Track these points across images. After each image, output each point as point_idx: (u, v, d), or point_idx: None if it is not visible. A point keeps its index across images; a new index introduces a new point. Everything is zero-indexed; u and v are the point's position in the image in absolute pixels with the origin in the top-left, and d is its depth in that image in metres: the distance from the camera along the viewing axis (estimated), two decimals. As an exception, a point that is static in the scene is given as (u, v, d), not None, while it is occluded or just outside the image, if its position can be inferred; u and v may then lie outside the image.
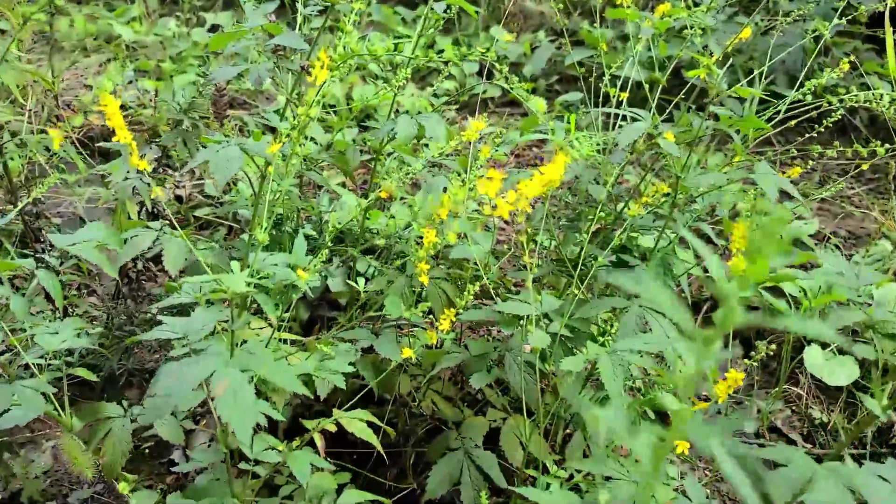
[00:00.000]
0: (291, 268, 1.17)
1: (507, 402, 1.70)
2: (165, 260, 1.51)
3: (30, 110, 2.55)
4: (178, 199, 2.58)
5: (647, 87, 1.57)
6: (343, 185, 2.61)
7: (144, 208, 1.82)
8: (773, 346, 2.09)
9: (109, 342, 1.75)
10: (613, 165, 1.63)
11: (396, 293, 1.61)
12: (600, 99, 1.91)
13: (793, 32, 3.23)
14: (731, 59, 1.60)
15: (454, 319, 1.29)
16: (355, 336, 1.53)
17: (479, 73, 3.24)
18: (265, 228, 1.10)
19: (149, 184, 1.73)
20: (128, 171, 1.73)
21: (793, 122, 1.58)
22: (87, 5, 3.49)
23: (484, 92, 3.32)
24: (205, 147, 1.37)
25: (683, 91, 1.74)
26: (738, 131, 1.59)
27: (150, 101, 2.72)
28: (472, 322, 1.93)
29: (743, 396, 1.98)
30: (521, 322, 1.40)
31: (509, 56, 3.32)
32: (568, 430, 1.68)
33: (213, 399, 1.16)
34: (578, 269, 1.62)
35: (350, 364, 1.42)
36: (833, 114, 1.61)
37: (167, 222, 1.80)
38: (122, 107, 2.81)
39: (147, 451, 1.96)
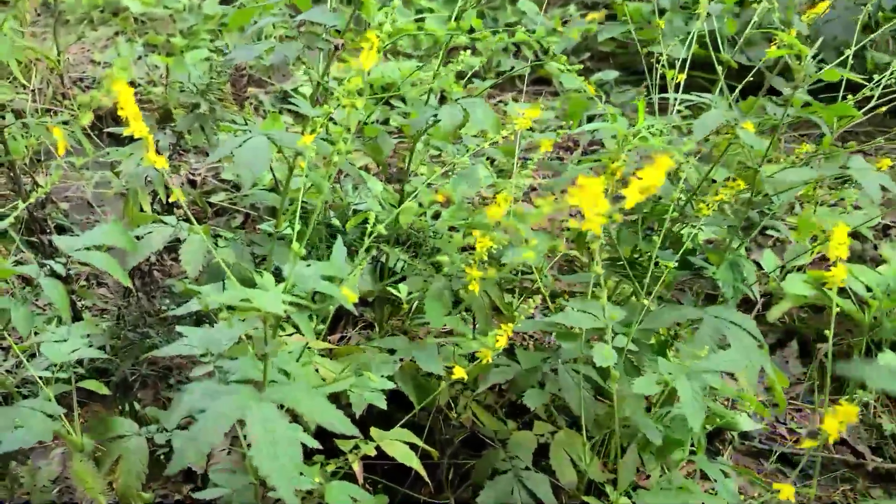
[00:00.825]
0: (329, 280, 1.02)
1: (554, 411, 1.56)
2: (183, 260, 1.36)
3: (34, 88, 2.39)
4: (192, 183, 2.43)
5: (720, 68, 1.40)
6: (366, 168, 2.45)
7: (158, 198, 1.67)
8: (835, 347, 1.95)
9: (121, 343, 1.61)
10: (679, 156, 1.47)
11: (436, 297, 1.47)
12: (650, 81, 1.74)
13: (842, 5, 3.04)
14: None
15: (510, 333, 1.14)
16: (392, 345, 1.39)
17: (506, 50, 3.06)
18: (304, 240, 0.95)
19: (163, 173, 1.58)
20: (140, 158, 1.58)
21: (883, 109, 1.41)
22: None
23: (511, 69, 3.15)
24: (223, 134, 1.21)
25: (751, 73, 1.57)
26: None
27: (161, 78, 2.56)
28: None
29: (802, 404, 1.84)
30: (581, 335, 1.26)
31: (535, 30, 3.14)
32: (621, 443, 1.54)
33: (246, 442, 1.02)
34: (645, 272, 1.47)
35: (389, 378, 1.28)
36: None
37: (183, 216, 1.65)
38: (132, 84, 2.65)
39: (162, 456, 1.83)
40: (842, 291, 1.98)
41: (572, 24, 3.17)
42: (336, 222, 1.99)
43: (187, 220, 1.71)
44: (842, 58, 1.41)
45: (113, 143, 2.37)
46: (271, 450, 0.77)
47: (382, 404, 1.18)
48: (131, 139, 1.80)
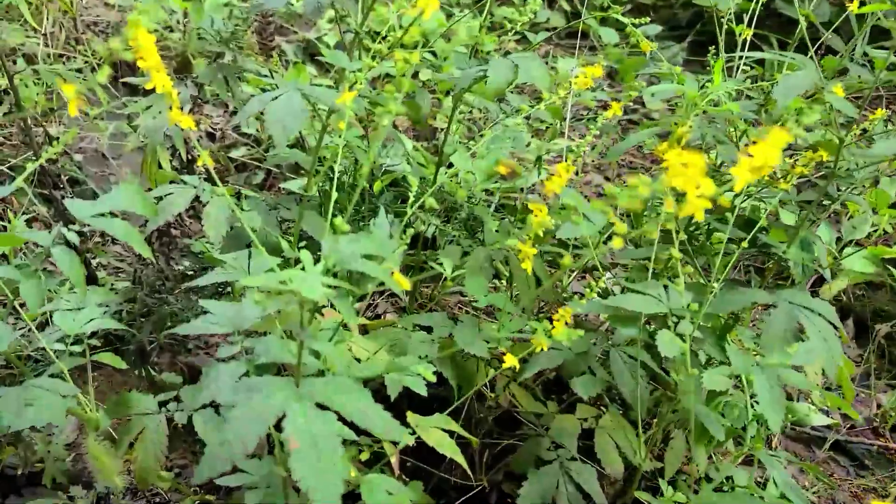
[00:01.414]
0: (370, 258, 0.91)
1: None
2: (206, 225, 1.25)
3: (46, 32, 2.26)
4: (211, 137, 2.31)
5: (802, 22, 1.26)
6: (393, 124, 2.32)
7: (178, 154, 1.56)
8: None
9: (138, 308, 1.51)
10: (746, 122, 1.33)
11: (475, 269, 1.35)
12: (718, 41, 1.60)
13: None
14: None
15: (569, 320, 1.03)
16: (429, 322, 1.28)
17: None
18: (346, 213, 0.84)
19: (181, 129, 1.46)
20: (159, 112, 1.46)
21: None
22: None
23: (546, 20, 2.98)
24: (249, 88, 1.09)
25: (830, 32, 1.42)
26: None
27: (178, 24, 2.41)
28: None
29: (858, 388, 1.73)
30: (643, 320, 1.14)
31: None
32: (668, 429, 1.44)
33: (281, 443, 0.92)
34: (702, 248, 1.35)
35: (429, 362, 1.17)
36: None
37: (204, 174, 1.54)
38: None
39: (181, 426, 1.75)
40: (903, 268, 1.85)
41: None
42: (365, 183, 1.88)
43: (209, 179, 1.60)
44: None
45: (129, 93, 2.25)
46: (313, 459, 0.67)
47: (423, 390, 1.08)
48: (148, 90, 1.68)
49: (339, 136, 1.18)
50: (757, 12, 1.49)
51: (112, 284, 1.72)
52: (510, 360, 1.01)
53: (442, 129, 1.97)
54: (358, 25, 1.15)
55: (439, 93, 1.94)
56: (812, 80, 1.10)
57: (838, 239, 1.97)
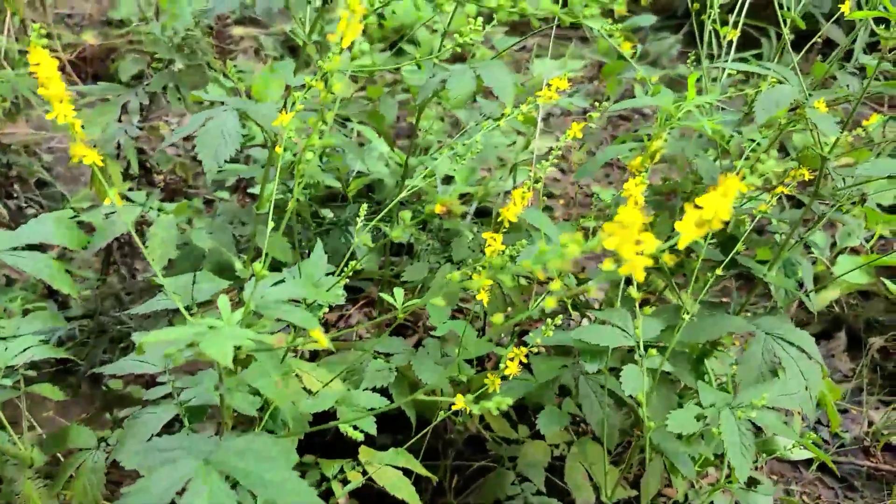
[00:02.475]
0: (306, 306, 0.84)
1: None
2: (150, 245, 1.18)
3: (11, 27, 2.18)
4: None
5: (785, 31, 1.17)
6: (389, 142, 2.24)
7: (145, 166, 1.48)
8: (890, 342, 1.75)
9: (93, 326, 1.45)
10: (728, 135, 1.25)
11: (441, 293, 1.28)
12: (690, 26, 1.50)
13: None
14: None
15: (524, 360, 0.96)
16: (388, 347, 1.21)
17: (533, -12, 2.78)
18: (264, 261, 0.77)
19: (136, 138, 1.39)
20: (119, 119, 1.39)
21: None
22: None
23: (537, 8, 2.88)
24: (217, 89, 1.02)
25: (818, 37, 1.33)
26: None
27: (153, 17, 2.33)
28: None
29: (849, 404, 1.65)
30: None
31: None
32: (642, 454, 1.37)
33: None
34: (678, 268, 1.27)
35: (381, 392, 1.11)
36: None
37: (158, 190, 1.47)
38: (122, 22, 2.44)
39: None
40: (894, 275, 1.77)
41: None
42: (335, 182, 1.80)
43: (168, 190, 1.53)
44: None
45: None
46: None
47: (372, 429, 1.02)
48: (118, 81, 1.60)
49: (281, 157, 1.11)
50: (746, 5, 1.40)
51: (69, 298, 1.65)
52: (460, 403, 0.93)
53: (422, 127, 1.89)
54: (305, 36, 1.07)
55: (414, 93, 1.86)
56: (794, 95, 1.02)
57: (833, 245, 1.89)
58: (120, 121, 1.41)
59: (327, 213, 1.57)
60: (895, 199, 2.01)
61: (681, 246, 0.60)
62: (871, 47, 1.26)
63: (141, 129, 1.41)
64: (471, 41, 1.58)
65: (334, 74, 0.74)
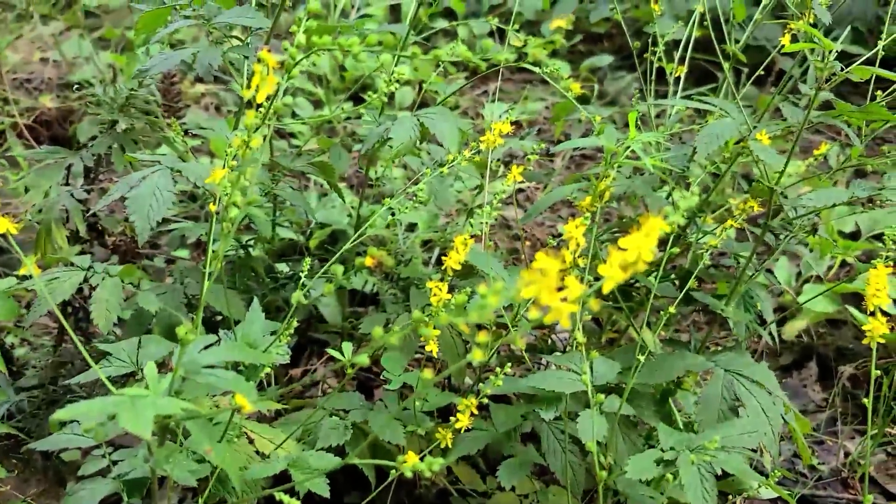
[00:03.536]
0: (238, 369, 0.81)
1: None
2: (95, 310, 1.15)
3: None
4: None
5: (727, 66, 1.18)
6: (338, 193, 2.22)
7: (97, 229, 1.45)
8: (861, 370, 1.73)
9: (42, 397, 1.40)
10: (676, 171, 1.25)
11: (398, 345, 1.25)
12: (640, 66, 1.51)
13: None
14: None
15: (474, 411, 0.93)
16: (345, 404, 1.18)
17: (492, 34, 2.82)
18: (196, 323, 0.74)
19: (83, 201, 1.37)
20: (64, 181, 1.37)
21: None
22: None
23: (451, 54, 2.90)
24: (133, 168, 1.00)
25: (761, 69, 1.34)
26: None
27: (110, 80, 2.33)
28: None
29: (824, 435, 1.63)
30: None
31: (524, 13, 2.90)
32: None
33: None
34: (641, 302, 1.26)
35: (338, 451, 1.07)
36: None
37: (107, 252, 1.44)
38: (80, 86, 2.43)
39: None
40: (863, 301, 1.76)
41: (563, 3, 2.92)
42: (294, 235, 1.78)
43: (118, 253, 1.50)
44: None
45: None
46: None
47: (324, 492, 0.98)
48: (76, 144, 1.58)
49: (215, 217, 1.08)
50: (692, 41, 1.41)
51: (27, 365, 1.60)
52: (411, 459, 0.90)
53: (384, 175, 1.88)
54: (246, 94, 1.06)
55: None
56: (735, 128, 1.02)
57: (799, 275, 1.88)
58: (67, 184, 1.38)
59: (283, 268, 1.54)
60: (856, 225, 2.02)
61: (605, 290, 0.58)
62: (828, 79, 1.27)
63: (89, 191, 1.39)
64: (434, 90, 1.58)
65: (253, 131, 0.73)
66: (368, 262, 0.74)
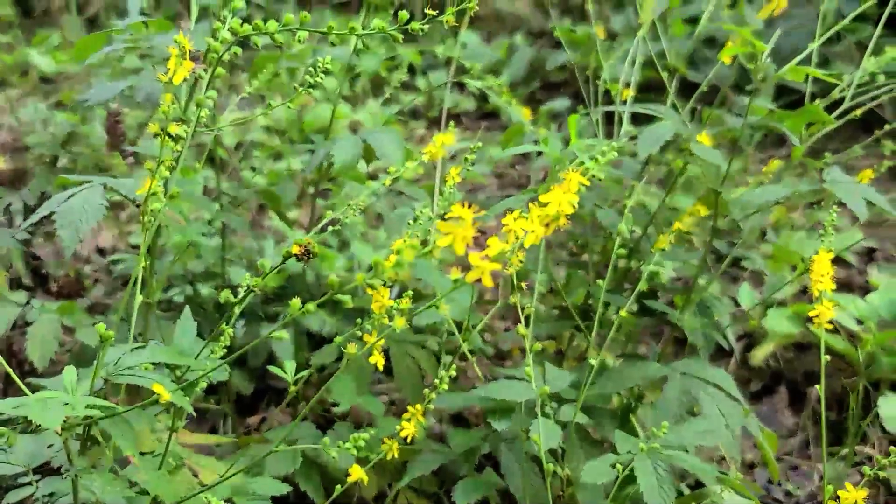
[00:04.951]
0: (170, 368, 0.77)
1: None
2: (30, 346, 1.10)
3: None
4: (101, 251, 2.18)
5: (666, 76, 1.19)
6: (286, 222, 2.20)
7: (40, 274, 1.42)
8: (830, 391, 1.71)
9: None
10: (624, 182, 1.25)
11: (350, 372, 1.22)
12: (593, 104, 1.54)
13: (802, 15, 2.90)
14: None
15: (420, 419, 0.89)
16: (297, 435, 1.13)
17: (452, 84, 2.86)
18: (134, 308, 0.71)
19: (27, 241, 1.33)
20: (6, 223, 1.33)
21: (858, 112, 1.20)
22: (6, 33, 3.09)
23: (456, 105, 2.95)
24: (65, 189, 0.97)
25: (702, 89, 1.36)
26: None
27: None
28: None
29: (797, 459, 1.59)
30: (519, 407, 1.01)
31: (482, 63, 2.95)
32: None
33: None
34: (593, 322, 1.23)
35: (285, 480, 1.02)
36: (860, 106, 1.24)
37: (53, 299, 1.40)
38: (31, 148, 2.41)
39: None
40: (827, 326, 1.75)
41: (521, 52, 2.98)
42: (249, 280, 1.74)
43: (62, 295, 1.46)
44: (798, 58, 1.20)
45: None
46: None
47: (270, 518, 0.93)
48: None
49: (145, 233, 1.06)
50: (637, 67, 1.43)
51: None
52: (356, 473, 0.86)
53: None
54: (182, 110, 1.05)
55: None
56: (674, 129, 1.02)
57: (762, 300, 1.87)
58: (10, 226, 1.35)
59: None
60: (814, 251, 2.02)
61: (527, 244, 0.56)
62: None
63: (32, 233, 1.35)
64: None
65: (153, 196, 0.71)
66: (295, 249, 0.71)
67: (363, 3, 1.29)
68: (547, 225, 0.55)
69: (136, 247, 2.16)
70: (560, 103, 2.69)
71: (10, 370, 0.69)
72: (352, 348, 0.77)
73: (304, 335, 1.62)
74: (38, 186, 1.27)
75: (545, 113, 2.64)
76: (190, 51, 0.99)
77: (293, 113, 2.57)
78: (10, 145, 2.55)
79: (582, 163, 1.09)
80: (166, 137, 0.70)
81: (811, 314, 0.88)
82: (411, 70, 3.05)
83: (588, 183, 0.56)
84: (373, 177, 1.72)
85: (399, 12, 0.71)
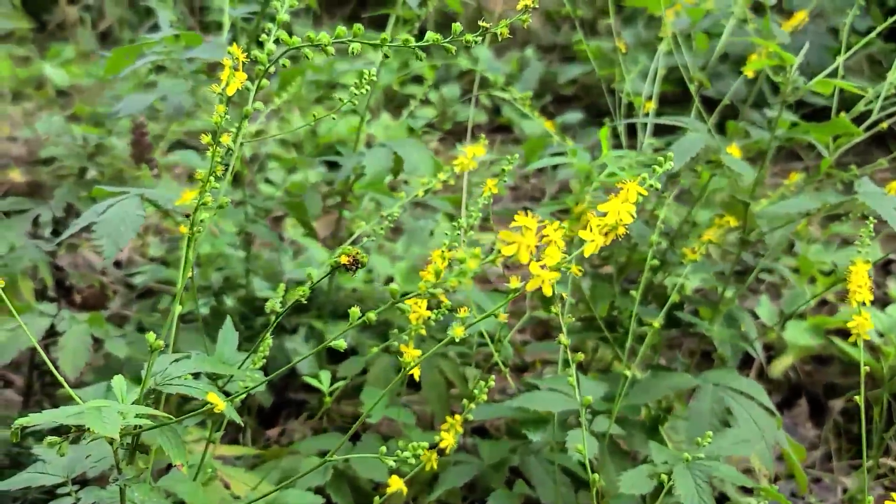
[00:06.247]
0: (212, 379, 0.77)
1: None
2: (61, 356, 1.11)
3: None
4: (117, 263, 2.18)
5: (693, 88, 1.20)
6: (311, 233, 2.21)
7: (64, 285, 1.42)
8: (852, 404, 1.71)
9: (11, 459, 1.33)
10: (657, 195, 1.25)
11: (378, 379, 1.22)
12: (615, 116, 1.54)
13: (813, 31, 2.91)
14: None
15: (459, 429, 0.89)
16: (325, 445, 1.13)
17: (463, 98, 2.88)
18: (174, 313, 0.72)
19: (52, 252, 1.34)
20: (31, 231, 1.34)
21: (885, 125, 1.21)
22: (21, 47, 3.11)
23: (466, 120, 2.96)
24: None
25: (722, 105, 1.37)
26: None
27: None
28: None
29: (820, 471, 1.59)
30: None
31: (492, 77, 2.97)
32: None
33: None
34: (626, 334, 1.23)
35: (317, 492, 1.02)
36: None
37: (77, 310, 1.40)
38: (47, 161, 2.43)
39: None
40: (848, 336, 1.75)
41: (532, 67, 3.00)
42: (269, 293, 1.75)
43: (86, 307, 1.46)
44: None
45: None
46: None
47: (304, 529, 0.92)
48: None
49: (209, 245, 1.07)
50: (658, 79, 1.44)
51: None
52: (395, 484, 0.86)
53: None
54: (217, 122, 1.05)
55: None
56: (704, 142, 1.02)
57: (781, 312, 1.87)
58: (35, 237, 1.36)
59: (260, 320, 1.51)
60: (832, 264, 2.03)
61: (587, 253, 0.56)
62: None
63: (57, 244, 1.36)
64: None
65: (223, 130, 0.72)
66: (343, 259, 0.72)
67: (366, 16, 1.30)
68: (606, 234, 0.56)
69: (154, 259, 2.17)
70: (572, 116, 2.70)
71: (61, 378, 0.69)
72: (410, 354, 0.76)
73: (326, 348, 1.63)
74: (64, 198, 1.27)
75: (558, 126, 2.66)
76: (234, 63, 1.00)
77: (308, 125, 2.58)
78: (25, 158, 2.56)
79: (612, 174, 1.10)
80: (216, 147, 0.70)
81: (850, 325, 0.88)
82: (422, 82, 3.06)
83: (646, 193, 0.56)
84: (391, 188, 1.72)
85: (424, 30, 0.72)
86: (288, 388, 1.74)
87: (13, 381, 1.87)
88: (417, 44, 0.60)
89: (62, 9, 2.82)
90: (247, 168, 2.16)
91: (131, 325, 1.59)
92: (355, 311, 0.75)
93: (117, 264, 2.18)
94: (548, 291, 0.54)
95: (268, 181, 2.36)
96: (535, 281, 0.55)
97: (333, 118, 0.83)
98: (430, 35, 0.61)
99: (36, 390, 1.51)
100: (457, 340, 0.61)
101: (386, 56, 0.71)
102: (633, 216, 0.55)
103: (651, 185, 0.57)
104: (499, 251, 0.52)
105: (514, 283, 0.56)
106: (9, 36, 2.92)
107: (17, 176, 2.32)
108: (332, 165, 2.56)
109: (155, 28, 1.28)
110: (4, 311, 1.35)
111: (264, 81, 0.79)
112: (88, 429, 0.64)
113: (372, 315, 0.74)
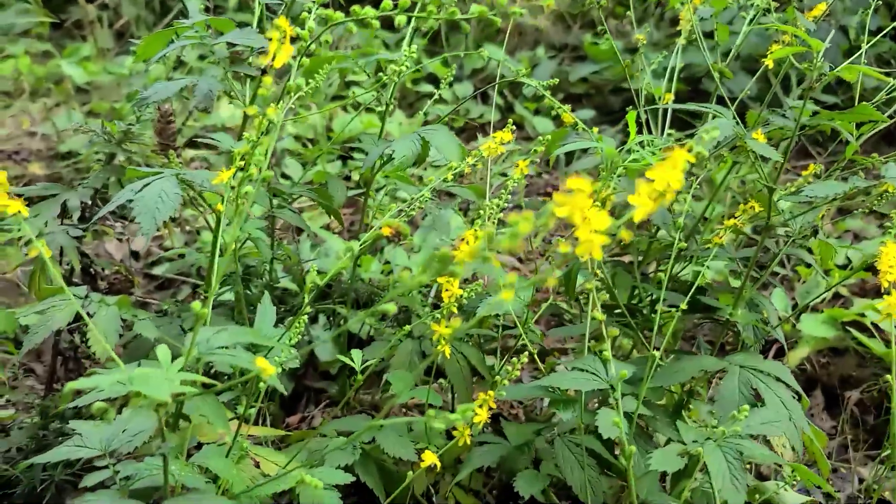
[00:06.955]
0: (252, 349, 0.79)
1: (550, 493, 1.30)
2: (91, 338, 1.12)
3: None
4: (135, 255, 2.20)
5: (717, 77, 1.21)
6: (328, 227, 2.22)
7: (89, 272, 1.43)
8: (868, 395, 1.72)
9: (28, 442, 1.34)
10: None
11: (402, 364, 1.23)
12: (638, 105, 1.55)
13: (824, 28, 2.92)
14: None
15: (493, 405, 0.90)
16: (351, 426, 1.14)
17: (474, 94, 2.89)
18: (210, 295, 0.73)
19: (79, 238, 1.35)
20: (59, 218, 1.35)
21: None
22: (40, 43, 3.13)
23: (480, 116, 2.97)
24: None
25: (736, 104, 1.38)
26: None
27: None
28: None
29: (837, 462, 1.59)
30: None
31: (506, 75, 2.98)
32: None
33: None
34: (646, 321, 1.25)
35: (347, 469, 1.03)
36: None
37: (104, 288, 1.42)
38: (69, 154, 2.45)
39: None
40: (863, 329, 1.76)
41: (542, 66, 3.01)
42: (290, 284, 1.76)
43: (112, 292, 1.47)
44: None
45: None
46: None
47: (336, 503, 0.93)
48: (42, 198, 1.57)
49: (222, 228, 1.08)
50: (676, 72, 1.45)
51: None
52: (429, 458, 0.87)
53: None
54: (246, 105, 1.07)
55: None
56: (731, 127, 1.03)
57: (794, 306, 1.88)
58: (62, 222, 1.37)
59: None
60: (846, 258, 2.04)
61: (637, 219, 0.57)
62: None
63: (84, 230, 1.37)
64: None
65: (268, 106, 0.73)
66: (386, 231, 0.73)
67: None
68: (654, 200, 0.57)
69: (167, 249, 2.19)
70: (584, 113, 2.71)
71: (115, 358, 0.71)
72: (446, 326, 0.77)
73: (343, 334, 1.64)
74: (95, 182, 1.29)
75: (569, 124, 2.67)
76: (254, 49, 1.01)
77: (321, 122, 2.60)
78: (44, 153, 2.58)
79: (636, 159, 1.11)
80: (263, 119, 0.71)
81: (880, 305, 0.89)
82: (435, 81, 3.08)
83: (695, 160, 0.58)
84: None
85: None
86: (307, 376, 1.75)
87: (33, 369, 1.88)
88: (463, 16, 0.61)
89: (81, 7, 2.84)
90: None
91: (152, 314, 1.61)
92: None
93: (136, 256, 2.20)
94: (598, 255, 0.55)
95: (285, 176, 2.38)
96: (583, 246, 0.56)
97: (356, 105, 0.84)
98: (476, 7, 0.62)
99: (59, 376, 1.53)
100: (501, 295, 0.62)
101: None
102: (681, 182, 0.56)
103: (699, 153, 0.58)
104: (552, 213, 0.53)
105: (564, 247, 0.57)
106: (27, 33, 2.95)
107: (37, 169, 2.34)
108: (347, 161, 2.57)
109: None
110: (32, 294, 1.37)
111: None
112: (137, 395, 0.65)
113: (400, 295, 0.75)
